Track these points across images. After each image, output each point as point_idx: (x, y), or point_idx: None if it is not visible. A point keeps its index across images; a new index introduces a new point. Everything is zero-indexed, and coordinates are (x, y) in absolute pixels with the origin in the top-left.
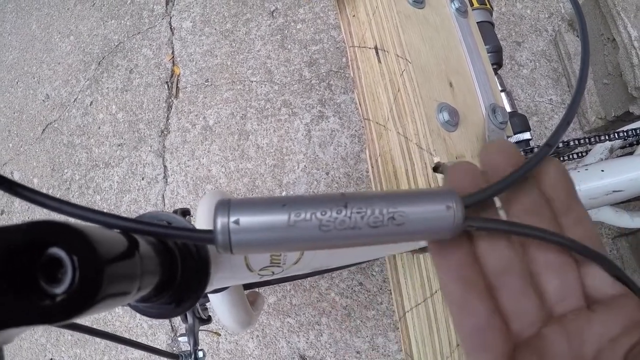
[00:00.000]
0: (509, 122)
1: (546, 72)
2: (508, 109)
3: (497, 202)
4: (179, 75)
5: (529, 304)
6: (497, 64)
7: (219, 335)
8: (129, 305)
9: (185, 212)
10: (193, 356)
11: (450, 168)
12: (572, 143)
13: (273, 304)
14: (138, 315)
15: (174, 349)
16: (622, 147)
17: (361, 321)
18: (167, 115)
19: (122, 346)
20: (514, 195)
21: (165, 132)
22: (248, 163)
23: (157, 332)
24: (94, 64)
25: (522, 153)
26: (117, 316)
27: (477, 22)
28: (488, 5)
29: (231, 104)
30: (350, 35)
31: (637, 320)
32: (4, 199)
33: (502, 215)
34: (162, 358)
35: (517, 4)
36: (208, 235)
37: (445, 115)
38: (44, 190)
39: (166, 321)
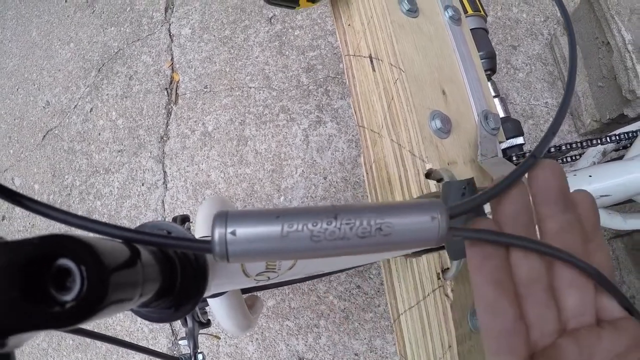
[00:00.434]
0: (501, 128)
1: (542, 76)
2: (501, 114)
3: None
4: (178, 82)
5: (550, 316)
6: (491, 70)
7: (219, 338)
8: (132, 310)
9: (184, 219)
10: (193, 359)
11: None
12: (564, 147)
13: (272, 307)
14: (139, 319)
15: (175, 352)
16: (616, 150)
17: (359, 323)
18: (167, 122)
19: (123, 351)
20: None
21: (165, 138)
22: (247, 168)
23: (158, 335)
24: (93, 71)
25: (514, 158)
26: (119, 321)
27: (471, 29)
28: (482, 12)
29: (230, 110)
30: (345, 43)
31: None
32: (5, 205)
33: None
34: None
35: (512, 8)
36: (206, 246)
37: (438, 123)
38: (45, 196)
39: (167, 325)
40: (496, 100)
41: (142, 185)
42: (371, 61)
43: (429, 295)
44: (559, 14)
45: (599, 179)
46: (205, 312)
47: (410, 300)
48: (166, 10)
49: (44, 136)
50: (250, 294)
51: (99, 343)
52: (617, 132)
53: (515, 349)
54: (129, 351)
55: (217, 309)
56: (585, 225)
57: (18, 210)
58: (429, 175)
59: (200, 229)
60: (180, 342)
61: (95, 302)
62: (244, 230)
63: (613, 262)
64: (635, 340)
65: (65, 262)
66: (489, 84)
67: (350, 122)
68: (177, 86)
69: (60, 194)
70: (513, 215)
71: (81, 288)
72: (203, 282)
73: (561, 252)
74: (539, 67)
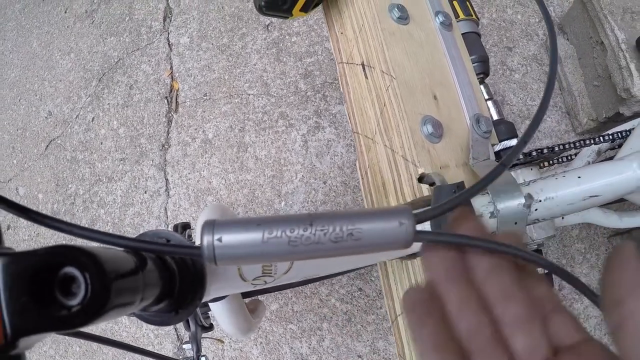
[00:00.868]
0: (493, 130)
1: (537, 76)
2: (495, 116)
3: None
4: (178, 90)
5: None
6: (484, 73)
7: (223, 342)
8: (134, 314)
9: (185, 226)
10: None
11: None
12: (557, 149)
13: (275, 311)
14: (144, 325)
15: (180, 356)
16: (612, 149)
17: (362, 326)
18: (168, 130)
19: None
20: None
21: (166, 146)
22: (247, 174)
23: (164, 341)
24: (94, 81)
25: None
26: (124, 327)
27: (463, 33)
28: (474, 16)
29: (229, 117)
30: (339, 51)
31: None
32: (10, 214)
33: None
34: None
35: (507, 10)
36: (196, 251)
37: (429, 128)
38: (49, 205)
39: (172, 331)
40: (489, 103)
41: (145, 193)
42: (363, 69)
43: None
44: (553, 14)
45: (588, 180)
46: (208, 317)
47: None
48: (164, 20)
49: (47, 146)
50: (252, 298)
51: (105, 349)
52: (610, 131)
53: None
54: (136, 358)
55: (218, 312)
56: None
57: (23, 219)
58: (421, 179)
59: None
60: (184, 346)
61: (99, 306)
62: (229, 237)
63: None
64: None
65: (70, 270)
66: (482, 87)
67: (348, 126)
68: (177, 94)
69: (64, 202)
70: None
71: (86, 293)
72: (201, 286)
73: (509, 247)
74: (535, 68)
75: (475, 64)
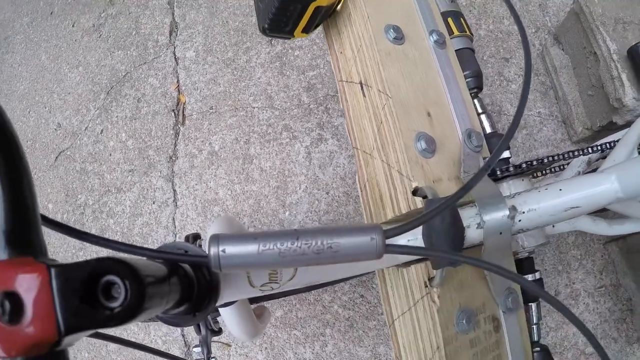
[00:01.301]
0: (485, 144)
1: (534, 86)
2: (488, 129)
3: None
4: (184, 103)
5: None
6: (477, 88)
7: (230, 346)
8: (157, 316)
9: (196, 237)
10: None
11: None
12: (546, 160)
13: (280, 317)
14: (152, 332)
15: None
16: (603, 158)
17: (363, 331)
18: (175, 142)
19: None
20: None
21: (174, 158)
22: (253, 185)
23: (171, 347)
24: (103, 94)
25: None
26: (132, 333)
27: (457, 50)
28: (468, 32)
29: (235, 130)
30: (338, 70)
31: None
32: None
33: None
34: None
35: (504, 21)
36: (205, 259)
37: (423, 144)
38: (60, 215)
39: (179, 337)
40: (483, 117)
41: (153, 203)
42: (362, 87)
43: (418, 301)
44: (549, 24)
45: (569, 192)
46: (217, 321)
47: (403, 307)
48: (170, 34)
49: (57, 157)
50: (258, 304)
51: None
52: (598, 142)
53: None
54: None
55: (227, 317)
56: None
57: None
58: (415, 192)
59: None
60: (194, 349)
61: (136, 308)
62: (231, 249)
63: (609, 266)
64: None
65: (111, 277)
66: (476, 101)
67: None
68: (183, 107)
69: (74, 212)
70: None
71: (125, 297)
72: (215, 291)
73: (495, 265)
74: (531, 78)
75: (469, 79)
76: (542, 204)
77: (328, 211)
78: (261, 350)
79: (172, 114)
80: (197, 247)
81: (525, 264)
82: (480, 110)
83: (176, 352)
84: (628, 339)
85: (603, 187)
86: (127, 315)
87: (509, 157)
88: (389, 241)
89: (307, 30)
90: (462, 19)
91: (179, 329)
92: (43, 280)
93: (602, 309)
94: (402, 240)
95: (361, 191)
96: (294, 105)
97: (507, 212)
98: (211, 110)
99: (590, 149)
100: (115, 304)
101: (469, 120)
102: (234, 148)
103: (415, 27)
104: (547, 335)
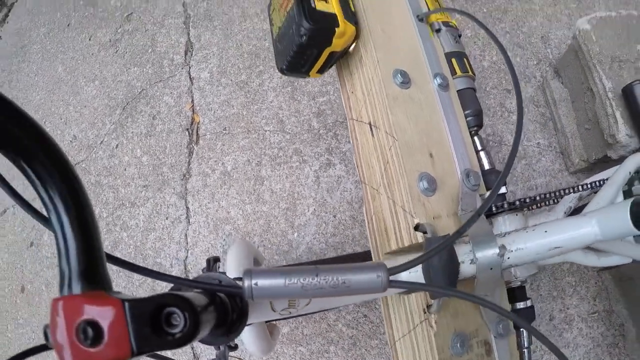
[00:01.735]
0: (482, 182)
1: (534, 117)
2: (486, 166)
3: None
4: (198, 123)
5: None
6: (478, 126)
7: None
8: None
9: (216, 260)
10: None
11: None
12: (537, 198)
13: (286, 334)
14: None
15: None
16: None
17: (366, 349)
18: (189, 160)
19: None
20: None
21: (187, 176)
22: (263, 206)
23: (180, 359)
24: (118, 109)
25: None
26: None
27: (459, 90)
28: (470, 72)
29: (247, 152)
30: (350, 109)
31: None
32: (33, 232)
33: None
34: None
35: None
36: (239, 290)
37: (425, 184)
38: None
39: (189, 349)
40: (482, 154)
41: (166, 219)
42: (371, 128)
43: (417, 325)
44: (551, 56)
45: (553, 234)
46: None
47: (403, 330)
48: (186, 53)
49: None
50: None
51: None
52: (587, 180)
53: None
54: None
55: (246, 336)
56: None
57: (46, 237)
58: (417, 228)
59: (230, 269)
60: None
61: (193, 333)
62: (262, 282)
63: (603, 292)
64: None
65: (172, 309)
66: (476, 138)
67: None
68: (197, 127)
69: None
70: None
71: (184, 325)
72: (245, 316)
73: (482, 299)
74: (532, 109)
75: (470, 118)
76: (529, 244)
77: (335, 234)
78: None
79: (187, 133)
80: (229, 279)
81: (517, 293)
82: (479, 147)
83: None
84: None
85: (584, 230)
86: (186, 339)
87: (505, 193)
88: (392, 277)
89: (322, 71)
90: (465, 59)
91: None
92: (118, 312)
93: (595, 333)
94: (404, 273)
95: (368, 223)
96: (304, 130)
97: (497, 251)
98: (224, 132)
99: (580, 187)
100: (176, 330)
101: (468, 160)
102: (246, 169)
103: (421, 71)
104: (541, 358)
